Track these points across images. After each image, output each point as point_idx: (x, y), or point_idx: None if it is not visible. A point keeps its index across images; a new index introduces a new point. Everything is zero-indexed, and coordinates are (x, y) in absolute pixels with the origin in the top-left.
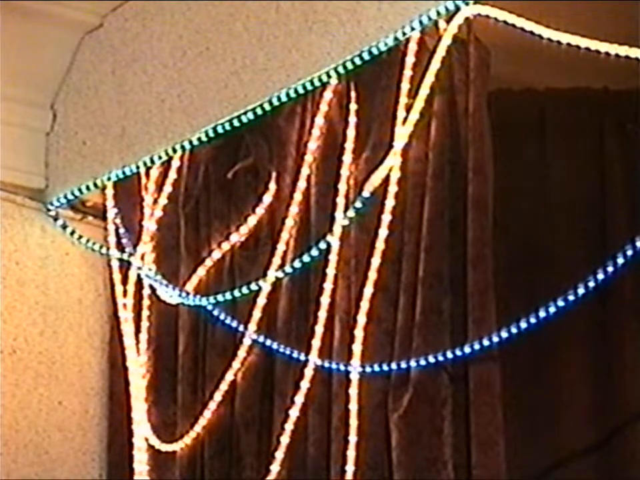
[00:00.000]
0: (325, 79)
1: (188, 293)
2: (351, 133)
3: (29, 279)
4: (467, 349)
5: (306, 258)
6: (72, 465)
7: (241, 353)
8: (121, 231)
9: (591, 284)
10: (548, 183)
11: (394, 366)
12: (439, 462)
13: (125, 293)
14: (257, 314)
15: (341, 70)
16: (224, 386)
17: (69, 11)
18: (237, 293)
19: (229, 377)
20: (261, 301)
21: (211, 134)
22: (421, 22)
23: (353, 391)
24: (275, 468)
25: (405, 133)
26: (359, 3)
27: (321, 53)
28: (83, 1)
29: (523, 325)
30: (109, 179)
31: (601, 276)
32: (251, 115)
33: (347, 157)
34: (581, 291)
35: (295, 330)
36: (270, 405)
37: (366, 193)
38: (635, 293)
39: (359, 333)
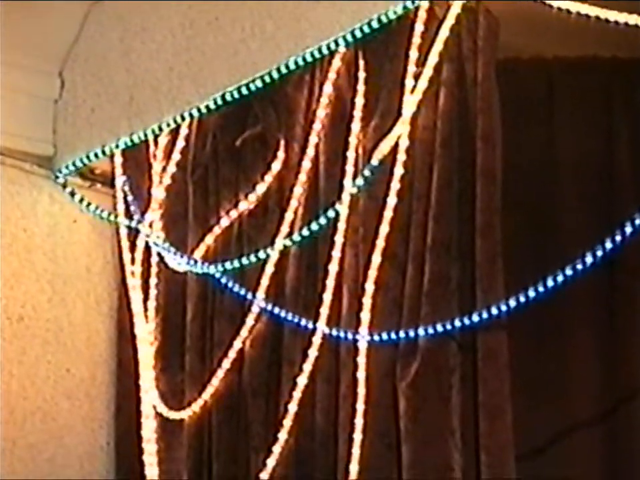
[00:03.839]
0: (333, 47)
1: (196, 261)
2: (359, 101)
3: (36, 246)
4: (475, 318)
5: (314, 226)
6: (80, 432)
7: (249, 320)
8: (129, 198)
9: (599, 253)
10: (556, 152)
11: (402, 334)
12: (447, 430)
13: (133, 261)
14: (265, 282)
15: (349, 38)
16: (232, 354)
17: None
18: (245, 261)
19: (237, 344)
20: (269, 269)
21: (220, 102)
22: None
23: (361, 360)
24: (282, 436)
25: (414, 101)
26: None
27: (330, 21)
28: None
29: (531, 293)
30: (117, 146)
31: (609, 245)
32: (259, 83)
33: (356, 125)
34: (589, 259)
35: (303, 298)
36: (278, 373)
37: (374, 161)
38: None
39: (367, 302)
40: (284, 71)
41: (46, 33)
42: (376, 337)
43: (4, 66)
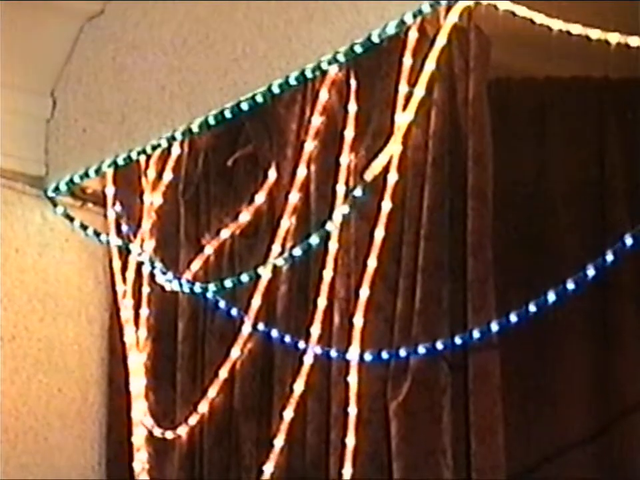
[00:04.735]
0: (325, 67)
1: (187, 280)
2: (350, 121)
3: (28, 266)
4: (467, 338)
5: (306, 246)
6: (71, 452)
7: (241, 340)
8: (121, 218)
9: (590, 272)
10: (548, 172)
11: (393, 354)
12: (438, 450)
13: (124, 280)
14: (256, 301)
15: (341, 58)
16: (223, 373)
17: None
18: (236, 281)
19: (229, 364)
20: (261, 288)
21: (211, 121)
22: (421, 10)
23: (352, 379)
24: (274, 455)
25: (405, 121)
26: None
27: (321, 40)
28: None
29: (522, 313)
30: (109, 166)
31: (600, 264)
32: (251, 103)
33: (347, 145)
34: (580, 279)
35: (295, 317)
36: (269, 393)
37: (366, 181)
38: (634, 281)
39: (358, 321)
40: (275, 90)
41: (38, 52)
42: (367, 357)
43: None
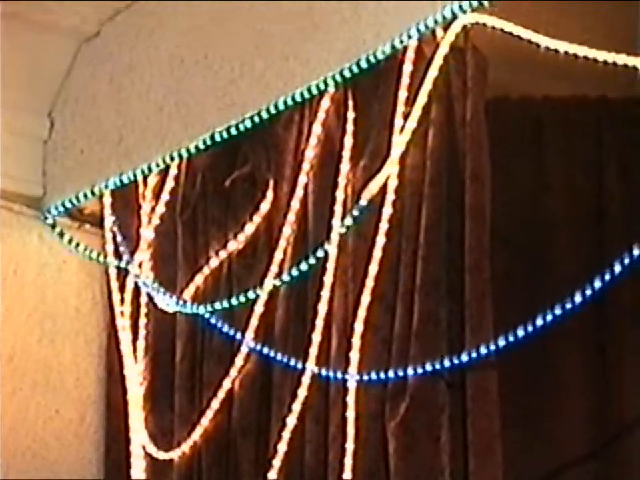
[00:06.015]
0: (322, 86)
1: (185, 301)
2: (348, 140)
3: (26, 287)
4: (464, 357)
5: (303, 266)
6: (69, 472)
7: (239, 361)
8: (119, 238)
9: (588, 292)
10: (545, 191)
11: (391, 374)
12: (436, 470)
13: (122, 301)
14: (254, 322)
15: (338, 78)
16: (221, 394)
17: (66, 19)
18: (234, 301)
19: (227, 384)
20: (259, 309)
21: (209, 142)
22: (418, 30)
23: (350, 399)
24: (272, 476)
25: (403, 141)
26: (356, 11)
27: (319, 60)
28: (81, 8)
29: (520, 332)
30: (106, 186)
31: (598, 284)
32: (248, 123)
33: (345, 165)
34: (578, 298)
35: (293, 338)
36: (267, 413)
37: (363, 201)
38: (633, 300)
39: (356, 341)
40: (273, 110)
41: (35, 73)
42: (365, 377)
43: None
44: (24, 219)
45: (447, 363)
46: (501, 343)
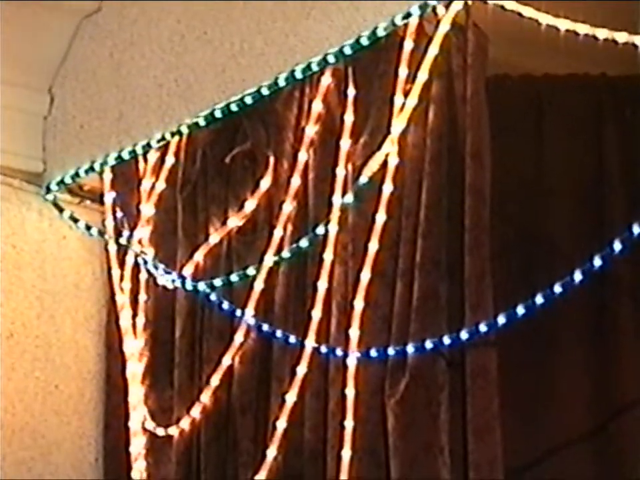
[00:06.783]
0: (323, 64)
1: (185, 277)
2: (348, 118)
3: (26, 263)
4: (464, 335)
5: (303, 243)
6: (68, 448)
7: (238, 337)
8: (119, 214)
9: (588, 269)
10: (545, 169)
11: (391, 351)
12: (435, 447)
13: (122, 277)
14: (254, 298)
15: (339, 55)
16: (221, 370)
17: None
18: (234, 278)
19: (226, 361)
20: (258, 285)
21: (209, 118)
22: (419, 7)
23: (350, 376)
24: (271, 452)
25: (403, 118)
26: None
27: (319, 38)
28: None
29: (520, 310)
30: (106, 162)
31: (598, 262)
32: (248, 100)
33: (345, 142)
34: (577, 276)
35: (292, 315)
36: (267, 390)
37: (364, 178)
38: (632, 278)
39: (356, 318)
40: (273, 87)
41: (36, 49)
42: (365, 354)
43: None
44: (24, 194)
45: (446, 341)
46: (501, 321)
